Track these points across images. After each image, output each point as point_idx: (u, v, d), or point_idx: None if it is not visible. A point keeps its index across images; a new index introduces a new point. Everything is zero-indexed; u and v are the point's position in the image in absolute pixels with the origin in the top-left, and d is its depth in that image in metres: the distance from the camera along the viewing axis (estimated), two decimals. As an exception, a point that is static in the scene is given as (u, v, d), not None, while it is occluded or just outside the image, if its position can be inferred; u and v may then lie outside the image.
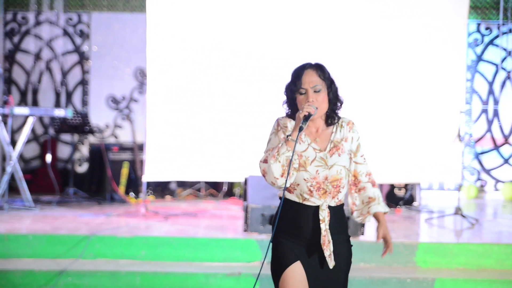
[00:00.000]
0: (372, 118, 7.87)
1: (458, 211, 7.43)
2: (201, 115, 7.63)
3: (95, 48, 10.60)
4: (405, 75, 7.96)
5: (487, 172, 11.19)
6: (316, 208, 3.19)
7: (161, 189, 9.71)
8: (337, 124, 3.29)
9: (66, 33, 10.65)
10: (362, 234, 6.22)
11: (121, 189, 8.93)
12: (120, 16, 10.66)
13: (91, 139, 10.51)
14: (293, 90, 3.22)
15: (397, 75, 7.94)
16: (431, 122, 7.99)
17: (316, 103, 3.16)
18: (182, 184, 9.84)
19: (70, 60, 10.70)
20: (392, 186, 8.81)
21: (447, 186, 10.78)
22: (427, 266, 5.91)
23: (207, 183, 9.81)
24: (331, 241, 3.17)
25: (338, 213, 3.24)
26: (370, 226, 7.01)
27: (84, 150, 10.65)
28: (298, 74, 3.22)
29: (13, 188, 9.17)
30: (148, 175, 7.65)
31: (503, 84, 11.12)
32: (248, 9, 7.74)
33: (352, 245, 3.36)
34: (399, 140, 7.94)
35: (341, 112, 3.34)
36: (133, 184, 9.09)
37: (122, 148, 9.28)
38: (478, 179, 11.17)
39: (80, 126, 9.11)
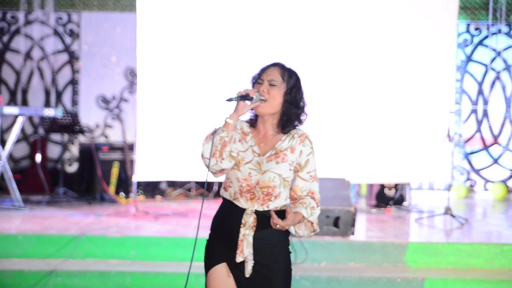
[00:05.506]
0: (362, 118, 7.89)
1: (447, 211, 7.46)
2: (191, 114, 7.63)
3: (85, 47, 10.57)
4: (395, 75, 7.98)
5: (477, 172, 11.24)
6: (243, 211, 3.10)
7: (151, 189, 9.70)
8: (289, 134, 3.16)
9: (56, 32, 10.62)
10: (353, 234, 6.23)
11: (111, 189, 8.91)
12: (110, 15, 10.63)
13: (81, 138, 10.49)
14: (255, 80, 3.22)
15: (387, 76, 7.96)
16: (421, 122, 8.02)
17: (266, 94, 3.11)
18: (173, 184, 9.83)
19: (60, 60, 10.67)
20: (382, 186, 8.84)
21: (437, 186, 10.82)
22: (417, 265, 5.93)
23: (197, 183, 9.81)
24: (248, 248, 3.05)
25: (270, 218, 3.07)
26: (361, 226, 7.03)
27: (74, 150, 10.62)
28: (264, 67, 3.22)
29: (2, 188, 9.16)
30: (139, 175, 7.64)
31: (492, 84, 11.17)
32: (239, 8, 7.74)
33: (290, 252, 3.22)
34: (389, 140, 7.96)
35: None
36: (123, 184, 9.07)
37: (112, 147, 9.26)
38: (468, 179, 11.22)
39: (70, 125, 9.08)
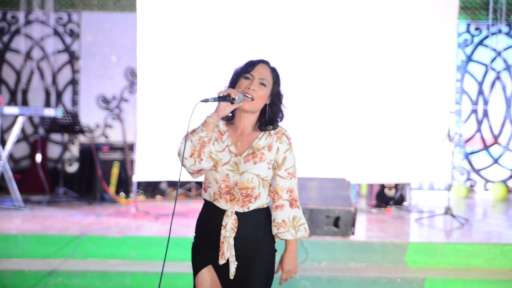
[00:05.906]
0: (362, 118, 7.89)
1: (448, 211, 7.46)
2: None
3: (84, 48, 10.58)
4: (395, 75, 7.98)
5: (477, 172, 11.24)
6: (224, 212, 3.06)
7: (151, 189, 9.70)
8: (265, 131, 3.10)
9: (56, 32, 10.62)
10: (353, 234, 6.23)
11: (112, 189, 8.91)
12: (110, 15, 10.64)
13: (81, 138, 10.49)
14: (240, 73, 3.12)
15: (388, 76, 7.97)
16: (421, 122, 8.02)
17: (254, 93, 3.03)
18: (173, 184, 9.83)
19: (60, 60, 10.67)
20: (383, 186, 8.84)
21: (437, 186, 10.82)
22: (417, 265, 5.92)
23: (197, 183, 9.80)
24: (230, 250, 3.02)
25: (253, 219, 3.07)
26: (361, 226, 7.03)
27: (74, 150, 10.62)
28: (253, 62, 3.13)
29: (2, 188, 9.16)
30: (139, 175, 7.64)
31: (492, 84, 11.18)
32: (240, 8, 7.74)
33: (276, 250, 3.16)
34: (389, 140, 7.96)
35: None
36: (124, 184, 9.08)
37: (113, 147, 9.26)
38: (468, 179, 11.22)
39: (70, 125, 9.08)
